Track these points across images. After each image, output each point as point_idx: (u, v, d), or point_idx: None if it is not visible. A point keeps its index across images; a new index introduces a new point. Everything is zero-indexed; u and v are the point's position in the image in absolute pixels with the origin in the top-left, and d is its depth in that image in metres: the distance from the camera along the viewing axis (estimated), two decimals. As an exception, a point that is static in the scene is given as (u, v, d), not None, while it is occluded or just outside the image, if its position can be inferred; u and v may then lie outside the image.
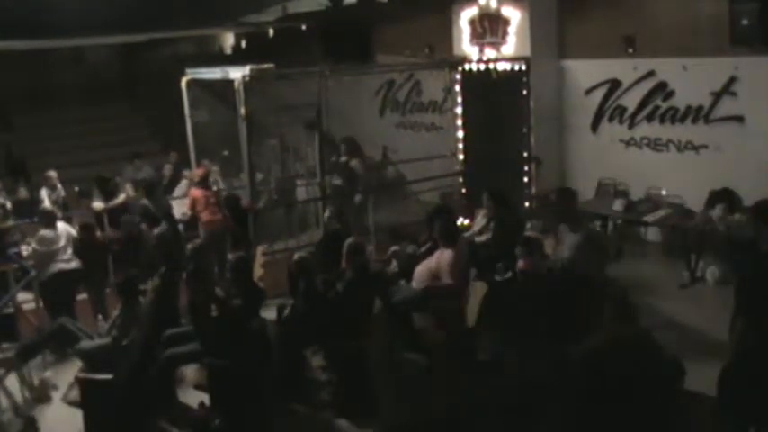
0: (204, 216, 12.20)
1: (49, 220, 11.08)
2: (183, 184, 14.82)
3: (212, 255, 10.93)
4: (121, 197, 13.60)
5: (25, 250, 11.79)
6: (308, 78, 12.52)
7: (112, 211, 13.21)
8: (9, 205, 14.41)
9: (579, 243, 8.83)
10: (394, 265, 10.00)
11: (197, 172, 12.95)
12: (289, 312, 8.47)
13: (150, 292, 9.07)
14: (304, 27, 18.90)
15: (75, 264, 10.93)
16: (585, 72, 14.06)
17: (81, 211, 13.90)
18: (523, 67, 13.51)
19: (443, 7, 15.41)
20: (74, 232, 11.27)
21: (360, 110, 17.91)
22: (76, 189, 15.21)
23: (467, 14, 14.47)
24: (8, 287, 10.58)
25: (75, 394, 8.48)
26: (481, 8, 14.19)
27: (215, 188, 13.26)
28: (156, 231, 11.78)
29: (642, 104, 13.27)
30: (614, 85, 13.65)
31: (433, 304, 8.83)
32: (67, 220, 12.30)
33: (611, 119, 13.80)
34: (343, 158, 14.58)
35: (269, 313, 8.85)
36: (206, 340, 8.20)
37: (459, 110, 14.17)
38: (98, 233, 11.95)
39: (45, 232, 10.92)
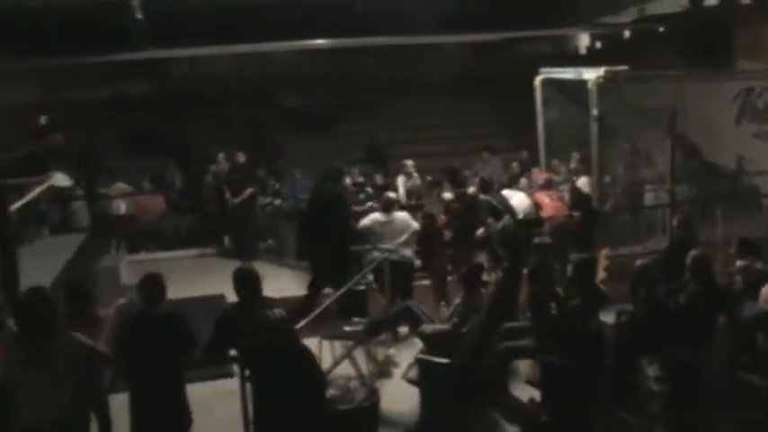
0: (548, 211, 12.37)
1: (386, 205, 11.74)
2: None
3: (556, 253, 11.04)
4: (470, 189, 14.06)
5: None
6: (663, 82, 12.30)
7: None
8: (370, 190, 15.43)
9: None
10: (738, 280, 9.62)
11: (541, 176, 13.23)
12: (627, 318, 8.42)
13: (493, 284, 9.37)
14: (661, 29, 18.46)
15: (397, 256, 11.30)
16: None
17: (431, 200, 14.55)
18: None
19: (813, 11, 14.48)
20: (415, 225, 11.80)
21: (716, 116, 17.23)
22: (429, 179, 15.87)
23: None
24: (361, 266, 11.38)
25: (414, 373, 8.86)
26: None
27: (561, 188, 13.41)
28: (500, 225, 12.13)
29: None
30: None
31: (782, 326, 8.41)
32: (419, 208, 12.94)
33: None
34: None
35: (608, 317, 8.83)
36: (543, 337, 8.34)
37: (823, 122, 13.32)
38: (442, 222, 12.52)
39: (376, 214, 11.71)
